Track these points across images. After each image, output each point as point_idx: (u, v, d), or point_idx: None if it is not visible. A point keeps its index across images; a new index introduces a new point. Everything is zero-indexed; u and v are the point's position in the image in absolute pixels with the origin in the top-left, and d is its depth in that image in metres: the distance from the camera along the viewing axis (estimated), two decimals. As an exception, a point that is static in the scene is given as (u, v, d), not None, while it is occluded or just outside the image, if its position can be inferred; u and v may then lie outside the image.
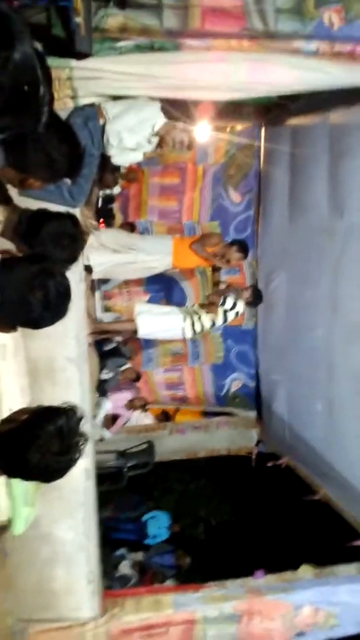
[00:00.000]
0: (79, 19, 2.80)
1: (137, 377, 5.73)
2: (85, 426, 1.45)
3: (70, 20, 2.79)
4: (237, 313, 5.13)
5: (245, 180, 5.84)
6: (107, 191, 5.57)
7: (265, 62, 3.10)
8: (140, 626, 3.28)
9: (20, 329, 2.09)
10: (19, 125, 0.91)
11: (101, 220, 5.59)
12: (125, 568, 6.08)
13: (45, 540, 3.17)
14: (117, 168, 4.89)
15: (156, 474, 6.25)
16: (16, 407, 1.64)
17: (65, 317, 1.53)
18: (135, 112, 3.34)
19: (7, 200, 1.90)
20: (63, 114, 3.04)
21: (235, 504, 7.85)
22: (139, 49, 3.07)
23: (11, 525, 2.68)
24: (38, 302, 1.40)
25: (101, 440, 5.34)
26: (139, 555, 6.43)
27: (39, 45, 1.03)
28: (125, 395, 5.67)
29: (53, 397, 1.54)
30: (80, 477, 3.24)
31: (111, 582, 5.70)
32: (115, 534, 6.43)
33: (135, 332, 4.96)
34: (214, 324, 5.07)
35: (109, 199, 5.76)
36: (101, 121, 3.27)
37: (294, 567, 3.67)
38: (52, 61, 2.84)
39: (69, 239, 1.84)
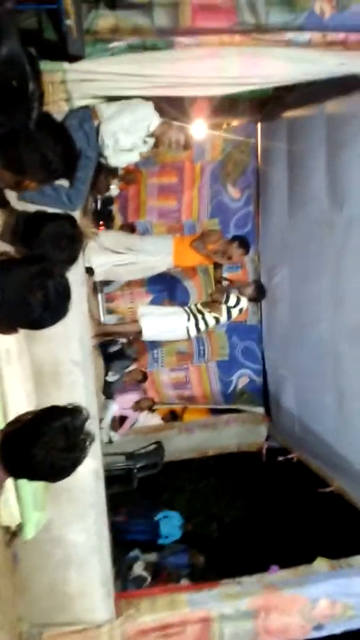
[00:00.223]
0: (70, 22, 2.80)
1: (144, 377, 5.74)
2: (91, 426, 1.44)
3: (61, 23, 2.79)
4: (240, 309, 5.13)
5: (244, 176, 5.83)
6: (106, 194, 5.57)
7: (258, 55, 3.09)
8: (157, 626, 3.27)
9: (24, 333, 2.09)
10: (10, 122, 0.90)
11: (101, 222, 5.60)
12: (139, 569, 6.07)
13: (57, 543, 3.17)
14: (114, 170, 4.89)
15: (166, 474, 6.23)
16: (22, 411, 1.63)
17: (69, 319, 1.53)
18: (129, 112, 3.34)
19: (4, 204, 1.90)
20: (58, 117, 3.04)
21: (247, 500, 7.83)
22: (131, 49, 3.07)
23: (22, 530, 2.68)
24: (38, 302, 1.40)
25: (109, 442, 5.35)
26: (153, 556, 6.42)
27: (32, 50, 1.03)
28: (132, 397, 5.67)
29: (58, 401, 1.53)
30: (90, 479, 3.24)
31: (126, 584, 5.70)
32: (128, 536, 6.43)
33: (139, 333, 4.97)
34: (218, 321, 5.07)
35: (108, 201, 5.76)
36: (95, 122, 3.28)
37: (309, 561, 3.65)
38: (45, 65, 2.84)
39: (68, 239, 1.84)
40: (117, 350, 5.51)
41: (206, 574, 5.94)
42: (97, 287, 5.44)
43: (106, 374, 5.32)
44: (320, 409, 4.67)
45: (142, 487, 5.70)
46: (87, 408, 1.49)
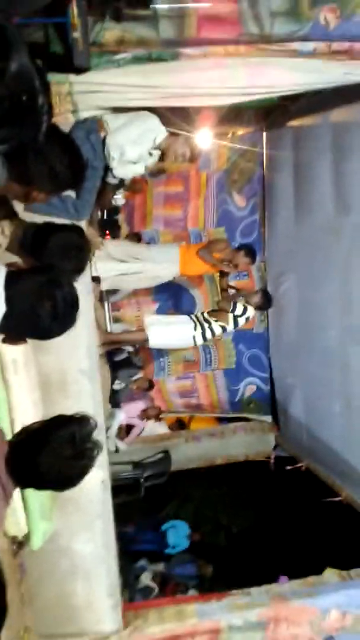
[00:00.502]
0: (76, 35, 2.83)
1: (151, 386, 5.73)
2: (99, 435, 1.44)
3: (67, 36, 2.82)
4: (247, 318, 5.13)
5: (250, 185, 5.85)
6: (113, 203, 5.60)
7: (264, 65, 3.10)
8: (165, 637, 3.24)
9: (31, 343, 2.10)
10: (19, 136, 0.91)
11: (107, 231, 5.62)
12: (146, 579, 6.03)
13: (64, 554, 3.15)
14: (118, 186, 4.89)
15: (173, 483, 6.21)
16: (29, 421, 1.64)
17: (76, 328, 1.53)
18: (137, 124, 3.36)
19: (12, 215, 1.91)
20: (65, 129, 3.07)
21: (256, 509, 7.77)
22: (137, 60, 3.09)
23: (29, 540, 2.67)
24: (46, 312, 1.40)
25: (116, 451, 5.33)
26: (160, 566, 6.38)
27: (39, 62, 1.04)
28: (139, 405, 5.65)
29: (65, 410, 1.53)
30: (97, 489, 3.23)
31: (134, 594, 5.66)
32: (135, 545, 6.39)
33: (146, 341, 4.97)
34: (224, 330, 5.06)
35: (115, 210, 5.79)
36: (102, 134, 3.30)
37: (318, 571, 3.61)
38: (51, 77, 2.87)
39: (76, 250, 1.85)
40: (123, 359, 5.51)
41: (214, 585, 5.89)
42: (103, 296, 5.45)
43: (113, 383, 5.32)
44: (329, 417, 4.64)
45: (149, 496, 5.67)
46: (95, 417, 1.49)
